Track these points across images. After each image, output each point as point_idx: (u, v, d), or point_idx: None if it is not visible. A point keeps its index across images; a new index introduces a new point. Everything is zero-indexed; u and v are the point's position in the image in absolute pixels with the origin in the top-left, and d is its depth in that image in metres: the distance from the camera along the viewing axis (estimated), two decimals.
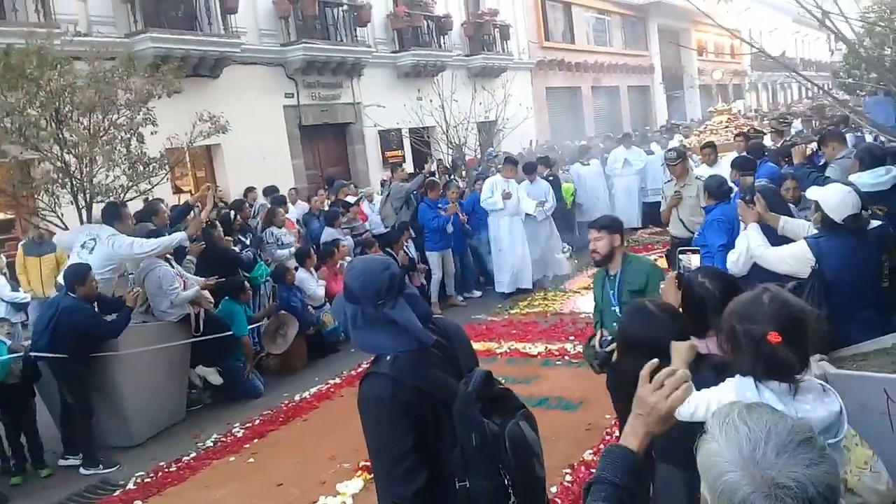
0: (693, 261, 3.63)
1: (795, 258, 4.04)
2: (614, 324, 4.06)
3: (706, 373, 2.53)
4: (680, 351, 2.48)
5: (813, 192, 4.16)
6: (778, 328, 2.06)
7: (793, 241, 4.38)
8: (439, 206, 10.26)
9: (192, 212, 7.85)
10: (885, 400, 3.13)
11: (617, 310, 4.31)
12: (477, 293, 11.08)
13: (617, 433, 5.48)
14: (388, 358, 2.35)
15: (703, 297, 2.95)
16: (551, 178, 12.21)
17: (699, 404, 2.16)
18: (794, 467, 1.24)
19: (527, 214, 10.63)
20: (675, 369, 1.81)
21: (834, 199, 3.99)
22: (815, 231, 4.17)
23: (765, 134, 12.55)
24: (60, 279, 6.69)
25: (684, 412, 2.07)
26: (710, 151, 9.53)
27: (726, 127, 13.46)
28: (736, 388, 2.14)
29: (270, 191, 11.58)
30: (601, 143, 17.30)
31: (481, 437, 2.25)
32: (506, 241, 10.61)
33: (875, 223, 4.19)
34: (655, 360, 1.79)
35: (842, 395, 3.30)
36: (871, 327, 3.85)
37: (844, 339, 3.65)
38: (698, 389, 2.19)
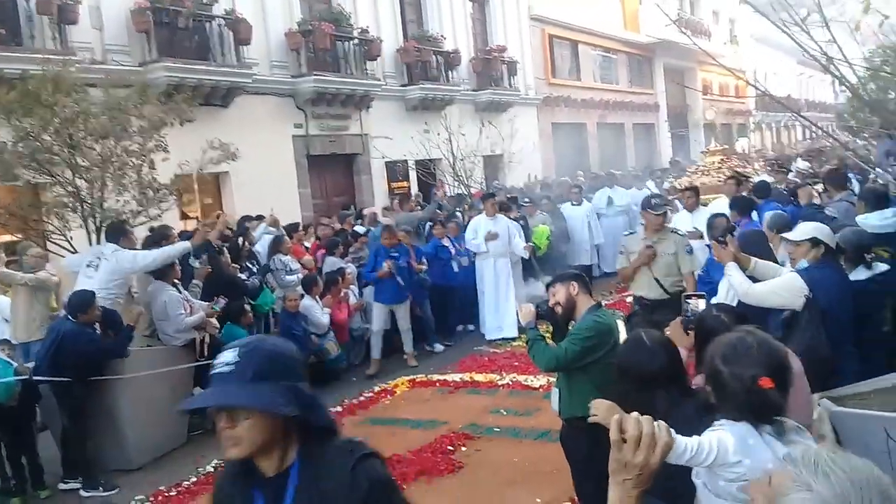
0: (699, 305, 3.71)
1: (788, 290, 4.11)
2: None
3: (688, 410, 2.58)
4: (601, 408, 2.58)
5: (803, 229, 4.27)
6: (768, 373, 2.10)
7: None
8: (392, 254, 9.17)
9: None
10: (886, 439, 3.16)
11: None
12: (439, 347, 9.96)
13: None
14: None
15: (716, 330, 3.00)
16: (521, 219, 11.52)
17: (696, 448, 2.13)
18: None
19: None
20: (639, 421, 1.65)
21: (825, 230, 4.21)
22: (792, 270, 4.27)
23: (748, 178, 11.90)
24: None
25: (675, 456, 2.09)
26: (692, 195, 8.91)
27: (719, 168, 13.12)
28: (736, 436, 2.14)
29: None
30: (588, 182, 16.90)
31: None
32: (490, 285, 10.18)
33: (882, 266, 4.25)
34: (618, 418, 1.65)
35: (843, 433, 3.35)
36: (852, 361, 3.94)
37: (840, 370, 3.71)
38: (679, 425, 2.22)
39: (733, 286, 4.54)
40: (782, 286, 4.18)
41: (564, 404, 4.03)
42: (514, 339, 9.85)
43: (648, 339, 2.98)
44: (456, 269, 10.50)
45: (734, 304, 4.64)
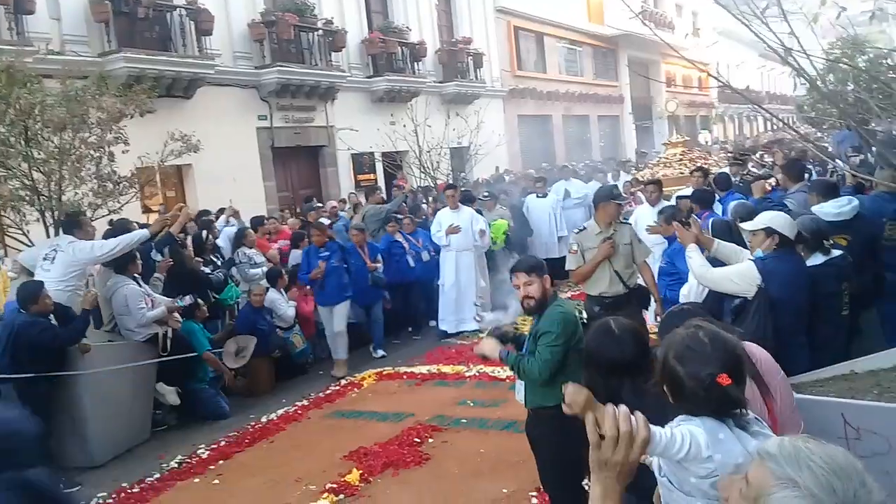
0: None
1: (742, 277, 4.18)
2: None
3: (654, 401, 2.56)
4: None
5: (762, 219, 4.33)
6: (725, 369, 2.05)
7: (725, 264, 4.55)
8: (321, 254, 8.62)
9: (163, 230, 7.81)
10: (843, 425, 3.23)
11: (525, 350, 4.02)
12: (380, 353, 9.37)
13: None
14: None
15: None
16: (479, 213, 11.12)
17: (669, 439, 2.10)
18: (874, 497, 1.23)
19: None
20: (615, 418, 1.63)
21: (783, 218, 4.25)
22: (752, 257, 4.33)
23: (709, 171, 11.90)
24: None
25: (650, 449, 2.07)
26: (655, 189, 8.53)
27: (680, 160, 13.05)
28: (706, 432, 2.10)
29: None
30: (545, 176, 16.48)
31: None
32: (450, 279, 9.97)
33: (836, 252, 4.35)
34: (593, 418, 1.64)
35: (803, 420, 3.40)
36: (804, 352, 4.01)
37: (785, 359, 3.76)
38: (645, 415, 2.22)
39: (691, 268, 4.60)
40: (737, 273, 4.25)
41: (529, 394, 3.99)
42: (475, 333, 9.41)
43: (616, 327, 2.97)
44: (412, 264, 10.21)
45: (702, 297, 4.70)
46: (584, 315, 5.66)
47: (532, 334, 3.96)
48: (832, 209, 4.99)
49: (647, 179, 9.96)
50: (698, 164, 10.98)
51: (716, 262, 4.63)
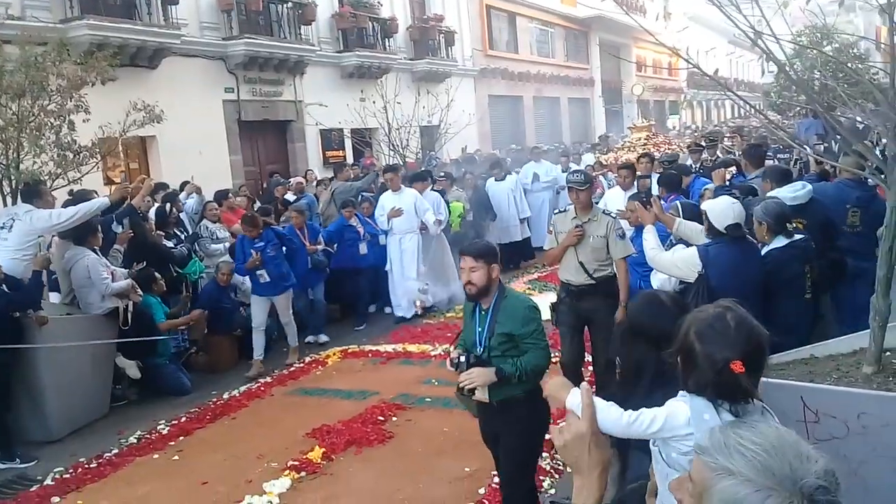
0: None
1: (685, 262, 4.28)
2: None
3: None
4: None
5: (705, 203, 4.39)
6: (742, 356, 1.99)
7: (686, 243, 4.61)
8: (256, 245, 8.05)
9: (125, 202, 7.65)
10: (802, 407, 3.26)
11: (480, 350, 3.80)
12: (324, 338, 9.10)
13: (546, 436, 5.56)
14: None
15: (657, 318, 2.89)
16: (440, 190, 11.18)
17: (633, 420, 2.18)
18: (814, 466, 1.21)
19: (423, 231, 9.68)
20: (560, 430, 1.80)
21: (717, 208, 4.28)
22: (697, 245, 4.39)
23: (655, 158, 11.39)
24: None
25: (612, 430, 2.11)
26: (628, 174, 8.42)
27: (645, 144, 12.97)
28: (691, 409, 2.09)
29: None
30: (509, 158, 16.76)
31: None
32: (396, 263, 9.74)
33: (798, 236, 4.40)
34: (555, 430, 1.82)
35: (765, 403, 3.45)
36: None
37: None
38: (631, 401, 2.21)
39: (644, 249, 4.66)
40: (681, 259, 4.35)
41: (500, 386, 3.73)
42: (414, 318, 9.69)
43: (666, 298, 2.93)
44: (362, 251, 9.84)
45: (676, 287, 4.72)
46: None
47: (496, 335, 3.74)
48: (788, 193, 5.07)
49: (620, 163, 9.77)
50: (658, 150, 10.90)
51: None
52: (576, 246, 5.59)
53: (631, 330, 3.00)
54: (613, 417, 2.21)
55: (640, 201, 5.54)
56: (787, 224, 4.32)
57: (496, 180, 12.97)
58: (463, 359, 3.76)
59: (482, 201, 12.33)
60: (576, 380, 5.01)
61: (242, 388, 7.53)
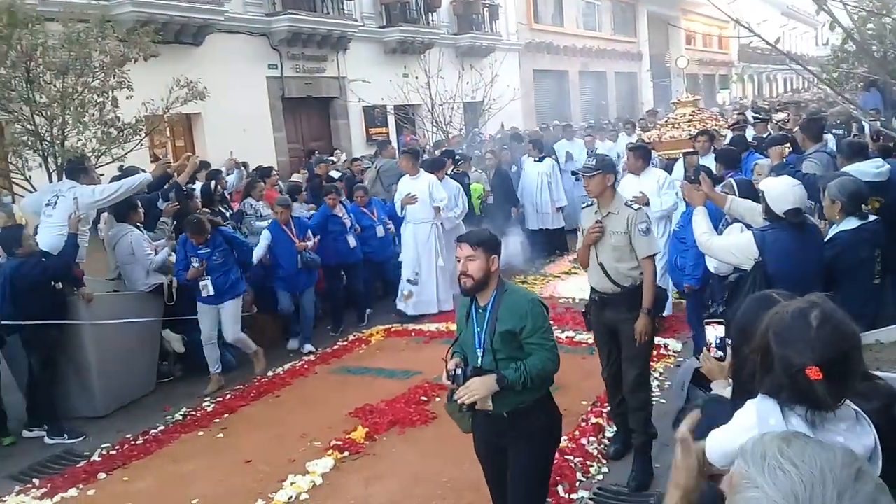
0: (719, 331, 3.15)
1: (740, 249, 3.93)
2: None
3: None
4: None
5: (762, 183, 4.05)
6: (822, 361, 1.75)
7: (741, 222, 4.30)
8: (200, 251, 6.91)
9: (171, 179, 7.66)
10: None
11: (480, 353, 3.38)
12: (308, 347, 8.01)
13: (593, 419, 5.43)
14: None
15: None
16: (461, 173, 10.39)
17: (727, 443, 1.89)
18: None
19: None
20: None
21: (776, 190, 3.90)
22: (761, 220, 4.07)
23: (719, 133, 10.62)
24: None
25: (716, 459, 1.85)
26: (640, 154, 7.37)
27: (689, 121, 12.07)
28: (757, 412, 1.86)
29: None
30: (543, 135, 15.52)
31: None
32: (409, 255, 8.92)
33: (872, 217, 4.11)
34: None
35: None
36: None
37: None
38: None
39: (695, 234, 4.33)
40: (736, 244, 3.98)
41: (508, 396, 3.30)
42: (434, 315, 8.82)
43: (780, 297, 2.61)
44: (352, 244, 8.68)
45: (729, 273, 4.45)
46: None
47: (497, 333, 3.32)
48: (871, 168, 4.72)
49: (632, 145, 8.45)
50: (707, 127, 10.32)
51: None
52: (595, 245, 4.70)
53: (742, 336, 2.65)
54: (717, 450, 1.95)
55: (687, 179, 5.14)
56: (863, 205, 4.02)
57: (534, 161, 11.71)
58: (460, 371, 3.31)
59: (503, 185, 11.25)
60: (622, 400, 4.77)
61: (286, 366, 7.51)
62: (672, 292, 7.22)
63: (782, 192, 3.87)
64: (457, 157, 11.24)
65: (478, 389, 3.25)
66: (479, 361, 3.36)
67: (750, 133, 10.98)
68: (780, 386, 1.84)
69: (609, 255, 4.61)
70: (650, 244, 4.58)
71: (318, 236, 8.31)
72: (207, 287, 6.90)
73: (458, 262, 3.36)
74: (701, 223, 4.26)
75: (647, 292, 4.53)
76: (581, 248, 4.83)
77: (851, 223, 4.01)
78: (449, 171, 9.93)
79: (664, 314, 6.50)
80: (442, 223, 9.04)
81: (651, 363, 6.43)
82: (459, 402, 3.30)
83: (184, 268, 6.98)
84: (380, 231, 9.20)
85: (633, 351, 4.58)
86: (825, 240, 4.09)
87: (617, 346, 4.73)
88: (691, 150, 8.73)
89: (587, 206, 4.97)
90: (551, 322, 3.47)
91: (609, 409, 5.26)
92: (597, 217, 4.69)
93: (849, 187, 4.05)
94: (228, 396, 6.80)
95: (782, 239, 3.79)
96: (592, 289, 4.86)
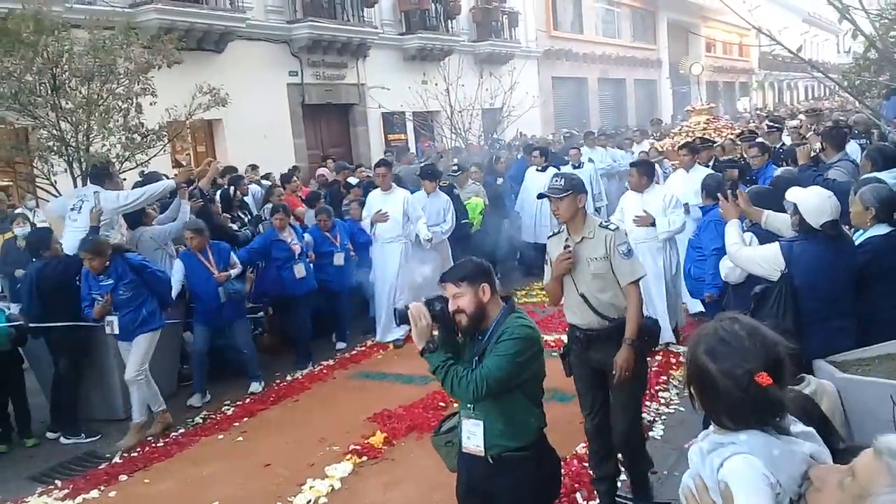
0: None
1: (767, 261, 3.91)
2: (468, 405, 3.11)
3: None
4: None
5: (792, 194, 4.01)
6: (765, 367, 1.76)
7: (776, 236, 4.28)
8: (101, 285, 6.04)
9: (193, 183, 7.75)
10: (892, 407, 3.04)
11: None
12: (256, 387, 7.12)
13: None
14: None
15: None
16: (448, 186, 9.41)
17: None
18: None
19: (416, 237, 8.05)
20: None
21: (811, 202, 3.85)
22: (794, 232, 4.04)
23: (712, 143, 10.16)
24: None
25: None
26: (643, 170, 6.90)
27: (704, 129, 11.71)
28: (757, 453, 1.76)
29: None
30: (558, 144, 15.58)
31: None
32: (379, 278, 8.21)
33: None
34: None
35: (847, 401, 3.23)
36: (842, 336, 3.74)
37: (809, 347, 3.52)
38: None
39: (726, 245, 4.32)
40: (763, 256, 3.96)
41: (495, 437, 3.05)
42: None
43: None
44: (300, 273, 7.61)
45: (741, 280, 4.44)
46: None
47: (478, 353, 3.07)
48: (891, 179, 4.68)
49: (634, 160, 8.10)
50: (706, 136, 10.03)
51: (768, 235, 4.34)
52: (572, 275, 4.15)
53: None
54: None
55: (723, 194, 4.98)
56: (894, 212, 3.98)
57: (537, 170, 10.60)
58: (439, 305, 3.06)
59: (495, 199, 10.54)
60: (607, 455, 4.28)
61: (305, 371, 7.55)
62: (682, 305, 7.36)
63: (818, 204, 3.81)
64: (454, 168, 10.69)
65: (418, 315, 2.99)
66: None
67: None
68: (736, 407, 1.79)
69: (590, 284, 4.10)
70: (633, 268, 4.11)
71: (260, 264, 7.61)
72: (113, 324, 6.06)
73: (450, 301, 3.07)
74: (733, 234, 4.25)
75: (630, 321, 4.04)
76: (550, 281, 4.26)
77: (882, 229, 3.97)
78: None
79: (657, 348, 6.17)
80: (414, 239, 8.15)
81: (671, 371, 6.47)
82: (441, 430, 3.32)
83: (90, 303, 6.12)
84: (337, 259, 8.18)
85: (625, 397, 4.12)
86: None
87: (604, 391, 4.22)
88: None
89: (554, 234, 4.39)
90: (531, 356, 3.06)
91: (590, 465, 4.52)
92: (567, 244, 4.15)
93: (884, 195, 4.01)
94: (248, 400, 6.86)
95: (809, 251, 3.77)
96: (573, 327, 4.29)
